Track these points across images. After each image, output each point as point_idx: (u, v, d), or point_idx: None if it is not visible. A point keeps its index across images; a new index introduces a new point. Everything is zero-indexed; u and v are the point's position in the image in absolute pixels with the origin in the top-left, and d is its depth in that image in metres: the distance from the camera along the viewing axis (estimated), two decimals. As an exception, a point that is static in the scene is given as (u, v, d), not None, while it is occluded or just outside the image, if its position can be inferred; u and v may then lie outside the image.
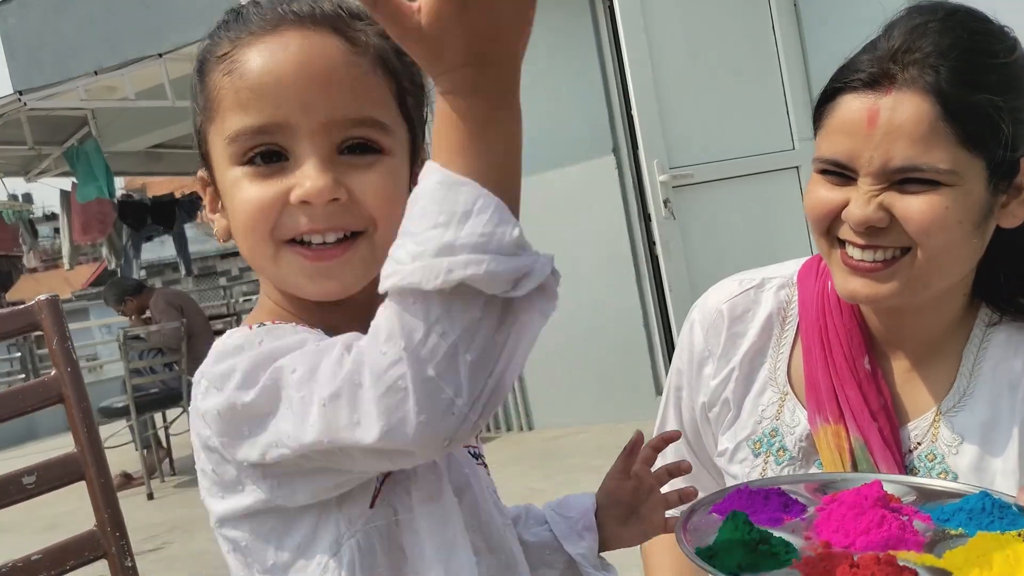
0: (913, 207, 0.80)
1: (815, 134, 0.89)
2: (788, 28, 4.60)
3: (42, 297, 1.23)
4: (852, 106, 0.82)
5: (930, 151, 0.78)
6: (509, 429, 5.66)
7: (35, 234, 9.14)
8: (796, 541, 0.66)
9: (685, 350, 1.05)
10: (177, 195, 8.61)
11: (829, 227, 0.85)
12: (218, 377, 0.64)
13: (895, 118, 0.79)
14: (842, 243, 0.85)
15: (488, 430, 5.73)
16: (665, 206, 4.41)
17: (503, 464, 4.86)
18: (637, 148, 4.69)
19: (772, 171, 4.34)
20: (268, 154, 0.66)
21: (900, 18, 0.84)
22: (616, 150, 5.23)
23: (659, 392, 5.36)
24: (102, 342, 11.86)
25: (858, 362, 0.90)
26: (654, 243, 5.17)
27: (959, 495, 0.71)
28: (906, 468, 0.87)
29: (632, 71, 4.36)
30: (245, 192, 0.68)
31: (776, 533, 0.66)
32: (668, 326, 4.88)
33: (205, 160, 0.73)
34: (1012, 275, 0.89)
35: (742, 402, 0.98)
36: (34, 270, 26.62)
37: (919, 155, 0.78)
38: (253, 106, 0.66)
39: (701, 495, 1.04)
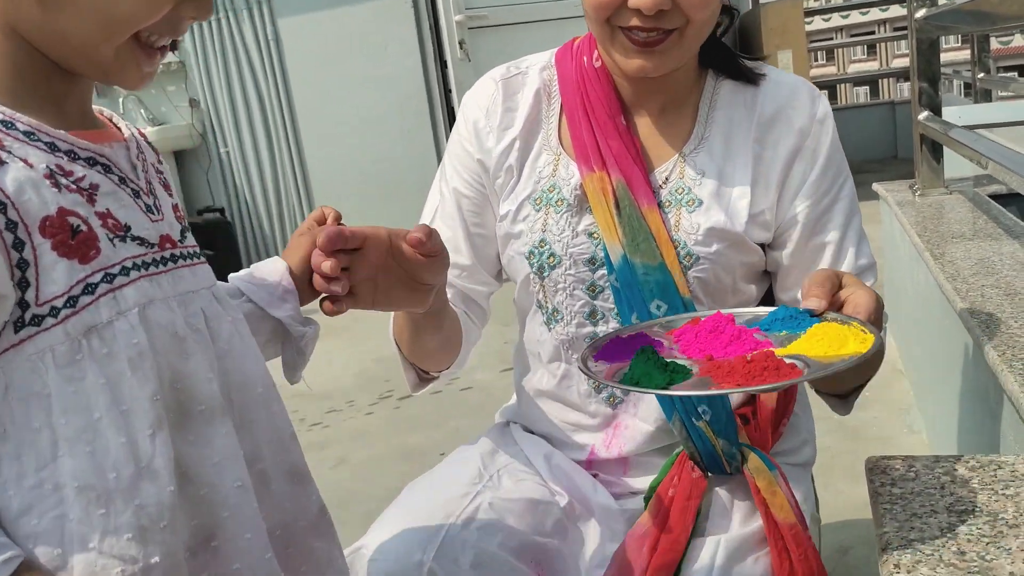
0: None
1: None
2: None
3: None
4: None
5: None
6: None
7: None
8: (685, 362, 0.80)
9: (465, 126, 1.15)
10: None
11: (609, 17, 0.99)
12: None
13: None
14: (622, 30, 1.00)
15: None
16: (461, 47, 4.42)
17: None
18: (434, -14, 4.64)
19: (566, 18, 4.43)
20: None
21: None
22: (412, -11, 5.13)
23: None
24: None
25: (616, 119, 1.07)
26: (450, 90, 5.20)
27: (763, 315, 0.88)
28: (659, 203, 1.06)
29: (429, -97, 4.25)
30: None
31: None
32: (461, 169, 4.97)
33: None
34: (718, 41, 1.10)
35: (522, 168, 1.12)
36: None
37: None
38: None
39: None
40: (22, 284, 0.63)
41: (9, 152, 0.64)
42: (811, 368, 0.74)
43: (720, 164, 1.07)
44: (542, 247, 1.09)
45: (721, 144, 1.07)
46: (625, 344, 0.86)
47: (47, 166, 0.65)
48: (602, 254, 1.07)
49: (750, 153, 1.06)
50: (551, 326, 1.13)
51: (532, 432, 1.22)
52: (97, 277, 0.66)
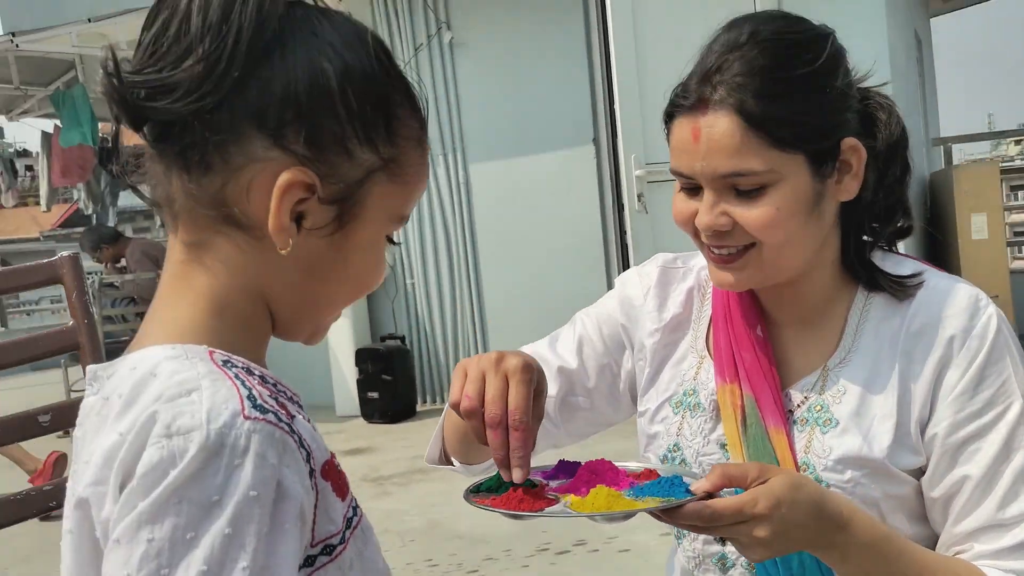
0: (748, 214, 0.93)
1: None
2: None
3: (64, 254, 1.36)
4: (682, 127, 0.96)
5: (745, 159, 0.91)
6: (471, 402, 5.81)
7: (15, 173, 9.08)
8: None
9: (619, 294, 1.16)
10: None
11: (695, 230, 0.98)
12: (139, 522, 0.58)
13: (713, 134, 0.92)
14: (705, 244, 1.00)
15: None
16: (639, 200, 4.55)
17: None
18: (616, 141, 4.82)
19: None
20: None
21: (719, 36, 0.97)
22: (596, 141, 5.37)
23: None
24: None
25: (752, 330, 1.03)
26: (626, 233, 5.33)
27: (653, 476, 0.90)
28: (793, 422, 1.00)
29: (618, 66, 4.49)
30: (381, 260, 0.74)
31: (552, 483, 0.90)
32: (632, 315, 5.01)
33: (330, 169, 0.67)
34: (856, 240, 1.03)
35: (662, 366, 1.11)
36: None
37: (737, 163, 0.92)
38: (410, 212, 0.75)
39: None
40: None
41: (285, 404, 0.66)
42: (549, 511, 0.83)
43: (865, 381, 0.98)
44: (675, 452, 1.06)
45: (869, 359, 0.99)
46: (565, 465, 0.94)
47: (300, 416, 0.67)
48: None
49: (896, 370, 0.97)
50: (679, 539, 1.07)
51: None
52: (350, 512, 0.71)
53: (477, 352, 5.74)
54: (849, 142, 0.96)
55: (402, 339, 5.85)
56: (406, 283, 6.00)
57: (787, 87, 0.92)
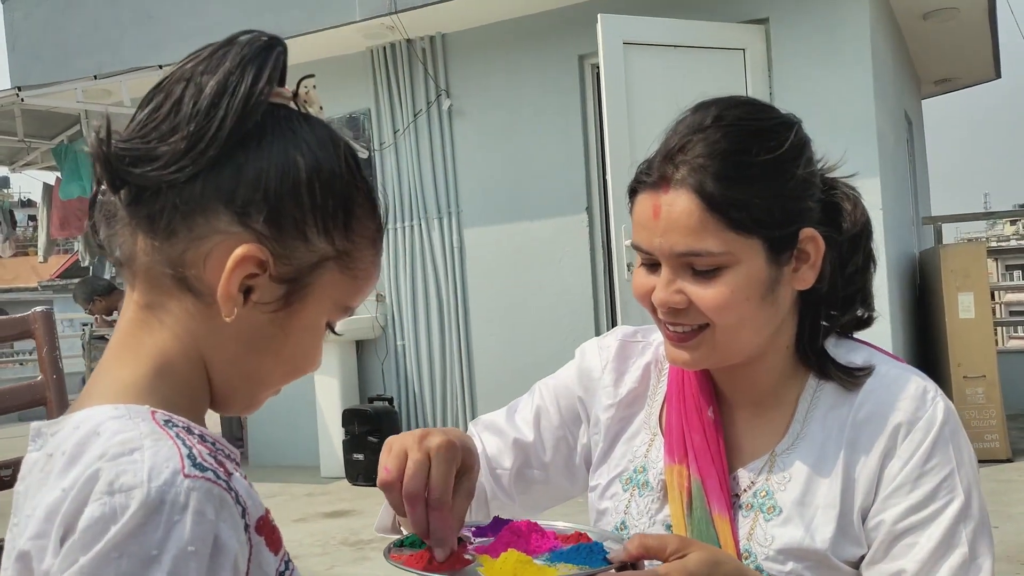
0: (703, 293, 0.93)
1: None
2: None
3: (38, 309, 1.38)
4: (643, 202, 0.95)
5: (702, 239, 0.92)
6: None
7: (14, 224, 9.16)
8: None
9: (579, 366, 1.15)
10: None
11: (652, 306, 0.98)
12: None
13: (672, 212, 0.93)
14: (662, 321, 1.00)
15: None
16: (628, 269, 4.59)
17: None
18: (608, 210, 4.89)
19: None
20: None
21: (685, 117, 0.98)
22: (589, 209, 5.44)
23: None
24: (62, 336, 11.83)
25: (704, 412, 1.02)
26: (615, 301, 5.37)
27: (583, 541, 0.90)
28: (739, 506, 0.99)
29: (611, 138, 4.57)
30: (318, 345, 0.78)
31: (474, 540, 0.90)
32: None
33: (285, 251, 0.72)
34: (811, 327, 1.01)
35: (615, 442, 1.10)
36: None
37: (694, 243, 0.92)
38: (358, 305, 0.80)
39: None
40: None
41: (224, 462, 0.69)
42: (461, 572, 0.83)
43: (810, 469, 0.97)
44: (622, 530, 1.05)
45: (815, 448, 0.98)
46: (497, 522, 0.94)
47: (237, 473, 0.70)
48: None
49: (840, 460, 0.96)
50: None
51: None
52: (283, 566, 0.73)
53: (465, 416, 5.72)
54: (808, 232, 0.95)
55: (390, 400, 5.83)
56: (396, 344, 6.01)
57: (747, 172, 0.92)
